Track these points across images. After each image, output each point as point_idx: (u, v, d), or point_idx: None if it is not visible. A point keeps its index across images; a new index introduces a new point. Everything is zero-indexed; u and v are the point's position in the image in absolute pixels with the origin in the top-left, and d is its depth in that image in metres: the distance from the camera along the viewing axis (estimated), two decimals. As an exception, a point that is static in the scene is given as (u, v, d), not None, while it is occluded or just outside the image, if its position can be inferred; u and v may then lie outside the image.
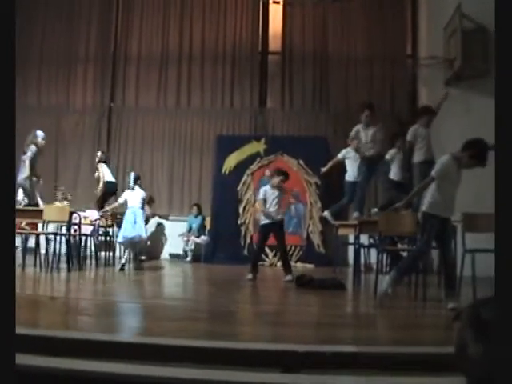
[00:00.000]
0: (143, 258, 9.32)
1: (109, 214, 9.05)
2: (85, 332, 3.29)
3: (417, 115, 7.23)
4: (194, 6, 11.89)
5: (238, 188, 10.69)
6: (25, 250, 7.46)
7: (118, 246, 9.26)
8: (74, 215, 7.68)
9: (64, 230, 7.77)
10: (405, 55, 11.47)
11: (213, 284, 7.40)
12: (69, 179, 11.49)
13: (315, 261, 9.96)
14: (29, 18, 11.66)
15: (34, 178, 7.84)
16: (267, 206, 7.03)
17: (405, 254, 6.45)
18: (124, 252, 8.14)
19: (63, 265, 7.31)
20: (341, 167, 8.55)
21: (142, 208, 8.24)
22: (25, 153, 7.74)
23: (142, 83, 11.90)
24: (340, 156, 8.50)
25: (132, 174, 8.46)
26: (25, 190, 7.84)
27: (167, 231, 11.30)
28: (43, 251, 7.70)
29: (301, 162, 10.49)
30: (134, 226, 7.98)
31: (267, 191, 7.12)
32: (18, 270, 6.61)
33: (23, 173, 7.68)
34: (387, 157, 7.67)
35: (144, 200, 8.30)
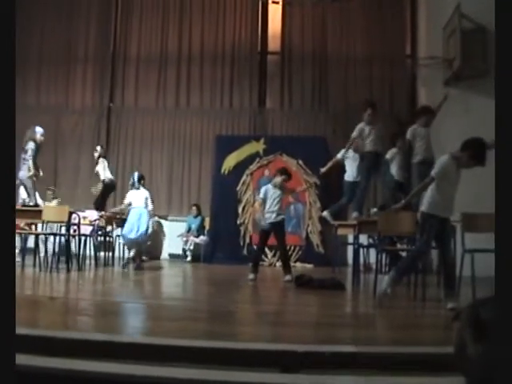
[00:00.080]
0: (144, 258, 9.31)
1: (108, 214, 9.06)
2: (84, 332, 3.28)
3: (416, 115, 7.23)
4: (194, 7, 11.91)
5: (238, 188, 10.69)
6: (24, 250, 7.46)
7: (117, 246, 9.29)
8: (74, 215, 7.67)
9: (63, 230, 7.76)
10: (404, 55, 11.48)
11: (212, 284, 7.39)
12: (68, 179, 11.50)
13: (314, 261, 9.97)
14: (28, 17, 11.65)
15: (35, 178, 7.84)
16: (267, 205, 7.01)
17: (404, 253, 6.46)
18: (129, 251, 8.18)
19: (62, 265, 7.31)
20: (340, 167, 8.54)
21: (146, 207, 8.24)
22: (25, 151, 7.73)
23: (142, 83, 11.91)
24: (339, 156, 8.49)
25: (136, 174, 8.46)
26: (26, 189, 7.85)
27: (166, 231, 11.31)
28: (42, 251, 7.72)
29: (300, 162, 10.49)
30: (136, 226, 8.01)
31: (268, 190, 7.10)
32: (18, 270, 6.61)
33: (25, 171, 7.68)
34: (387, 156, 7.67)
35: (147, 199, 8.30)
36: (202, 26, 11.90)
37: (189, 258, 10.59)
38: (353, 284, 6.76)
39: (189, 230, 10.85)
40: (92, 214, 9.05)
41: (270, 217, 6.96)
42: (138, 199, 8.19)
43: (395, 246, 6.96)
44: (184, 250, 10.73)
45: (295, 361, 2.62)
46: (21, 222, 7.99)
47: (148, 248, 9.92)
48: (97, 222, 8.73)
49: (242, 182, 10.72)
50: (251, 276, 6.86)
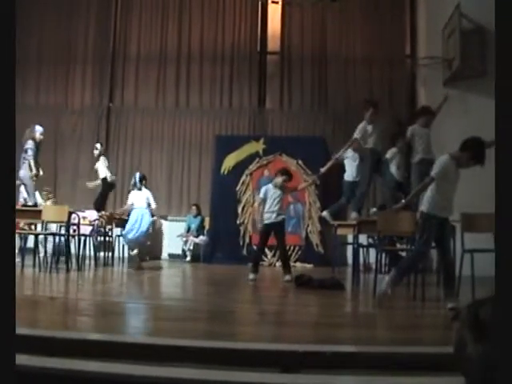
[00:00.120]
0: (147, 258, 9.32)
1: (108, 214, 9.07)
2: (84, 332, 3.29)
3: (415, 116, 7.23)
4: (193, 6, 11.90)
5: (237, 188, 10.69)
6: (24, 250, 7.46)
7: (117, 246, 9.29)
8: (73, 215, 7.67)
9: (63, 231, 7.76)
10: (403, 55, 11.48)
11: (212, 284, 7.39)
12: (67, 179, 11.49)
13: (314, 261, 9.96)
14: (27, 17, 11.64)
15: (35, 178, 7.85)
16: (267, 205, 7.01)
17: (404, 253, 6.46)
18: (131, 251, 8.21)
19: (62, 265, 7.31)
20: (340, 167, 8.54)
21: (148, 207, 8.26)
22: (24, 150, 7.73)
23: (141, 83, 11.91)
24: (339, 156, 8.48)
25: (137, 174, 8.46)
26: (26, 188, 7.85)
27: (166, 231, 11.30)
28: (42, 251, 7.71)
29: (299, 162, 10.48)
30: (136, 226, 8.03)
31: (269, 190, 7.10)
32: (17, 271, 6.60)
33: (26, 170, 7.68)
34: (387, 156, 7.67)
35: (148, 199, 8.31)
36: (202, 26, 11.89)
37: (188, 258, 10.58)
38: (352, 284, 6.76)
39: (188, 229, 10.85)
40: (91, 214, 9.05)
41: (271, 217, 6.96)
42: (139, 200, 8.22)
43: (395, 245, 6.97)
44: (183, 250, 10.72)
45: (295, 361, 2.62)
46: (20, 222, 8.00)
47: (148, 248, 9.92)
48: (96, 222, 8.73)
49: (241, 181, 10.71)
50: (251, 276, 6.85)
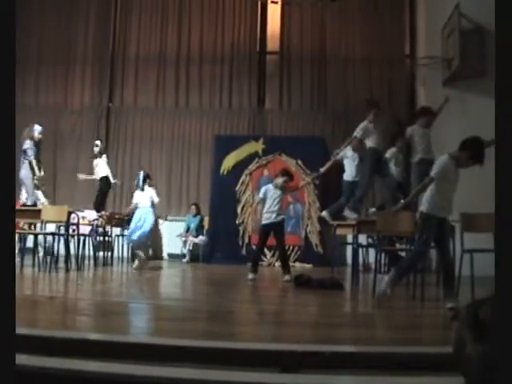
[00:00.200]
0: (146, 255, 9.32)
1: (107, 214, 9.07)
2: (83, 332, 3.29)
3: (415, 116, 7.24)
4: (193, 6, 11.90)
5: (237, 188, 10.69)
6: (23, 250, 7.45)
7: (116, 246, 9.29)
8: (73, 215, 7.67)
9: (62, 230, 7.76)
10: (403, 55, 11.48)
11: (211, 284, 7.39)
12: (67, 179, 11.47)
13: (313, 261, 9.96)
14: (27, 17, 11.63)
15: (36, 181, 7.86)
16: (267, 205, 7.01)
17: (403, 253, 6.46)
18: (137, 251, 8.23)
19: (61, 265, 7.30)
20: (339, 167, 8.54)
21: (152, 206, 8.28)
22: (23, 150, 7.73)
23: (141, 83, 11.90)
24: (338, 156, 8.49)
25: (141, 174, 8.46)
26: (26, 188, 7.85)
27: (165, 231, 11.29)
28: (41, 251, 7.71)
29: (299, 161, 10.48)
30: (139, 226, 8.06)
31: (269, 190, 7.09)
32: (17, 270, 6.60)
33: (26, 170, 7.68)
34: (387, 155, 7.67)
35: (152, 197, 8.32)
36: (201, 26, 11.89)
37: (188, 258, 10.57)
38: (352, 284, 6.76)
39: (188, 229, 10.84)
40: (91, 214, 9.05)
41: (270, 217, 6.95)
42: (143, 199, 8.25)
43: (394, 245, 6.97)
44: (183, 250, 10.72)
45: (295, 361, 2.62)
46: (20, 222, 7.99)
47: (148, 248, 9.93)
48: (96, 221, 8.73)
49: (241, 181, 10.71)
50: (250, 276, 6.85)
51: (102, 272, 7.84)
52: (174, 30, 11.91)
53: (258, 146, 10.81)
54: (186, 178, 11.61)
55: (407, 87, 11.31)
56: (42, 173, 8.09)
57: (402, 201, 5.79)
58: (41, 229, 7.54)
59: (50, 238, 7.87)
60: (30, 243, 7.84)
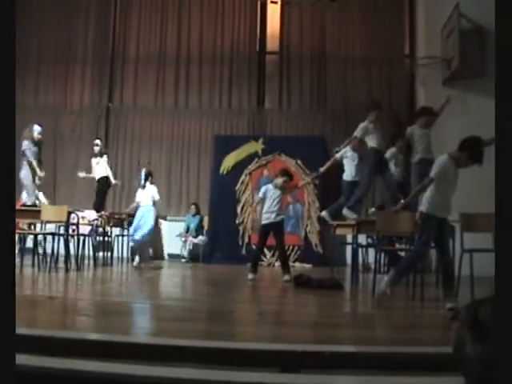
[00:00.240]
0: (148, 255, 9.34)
1: (107, 214, 9.07)
2: (83, 332, 3.28)
3: (415, 116, 7.23)
4: (192, 6, 11.91)
5: (236, 188, 10.68)
6: (23, 250, 7.45)
7: (116, 246, 9.29)
8: (72, 215, 7.67)
9: (62, 230, 7.75)
10: (403, 55, 11.48)
11: (211, 284, 7.39)
12: (67, 179, 11.47)
13: (313, 261, 9.96)
14: (27, 17, 11.63)
15: (38, 182, 7.86)
16: (267, 205, 7.01)
17: (403, 253, 6.46)
18: (140, 250, 8.25)
19: (61, 265, 7.30)
20: (339, 167, 8.54)
21: (153, 205, 8.29)
22: (22, 152, 7.73)
23: (140, 83, 11.91)
24: (338, 156, 8.49)
25: (143, 171, 8.46)
26: (25, 188, 7.85)
27: (165, 231, 11.29)
28: (41, 251, 7.70)
29: (299, 161, 10.48)
30: (140, 226, 8.09)
31: (268, 190, 7.09)
32: (16, 270, 6.60)
33: (26, 170, 7.68)
34: (386, 155, 7.67)
35: (153, 196, 8.33)
36: (201, 26, 11.90)
37: (187, 258, 10.57)
38: (351, 284, 6.76)
39: (187, 229, 10.84)
40: (90, 214, 9.05)
41: (270, 217, 6.95)
42: (145, 198, 8.28)
43: (394, 245, 6.96)
44: (183, 250, 10.72)
45: (295, 361, 2.62)
46: (19, 222, 7.99)
47: (148, 248, 9.92)
48: (95, 221, 8.73)
49: (240, 181, 10.71)
50: (250, 276, 6.85)
51: (101, 272, 7.83)
52: (174, 29, 11.92)
53: (257, 146, 10.81)
54: (185, 177, 11.61)
55: (407, 87, 11.32)
56: (43, 173, 8.09)
57: (402, 201, 5.79)
58: (41, 229, 7.54)
59: (42, 237, 7.88)
60: (29, 243, 7.84)
